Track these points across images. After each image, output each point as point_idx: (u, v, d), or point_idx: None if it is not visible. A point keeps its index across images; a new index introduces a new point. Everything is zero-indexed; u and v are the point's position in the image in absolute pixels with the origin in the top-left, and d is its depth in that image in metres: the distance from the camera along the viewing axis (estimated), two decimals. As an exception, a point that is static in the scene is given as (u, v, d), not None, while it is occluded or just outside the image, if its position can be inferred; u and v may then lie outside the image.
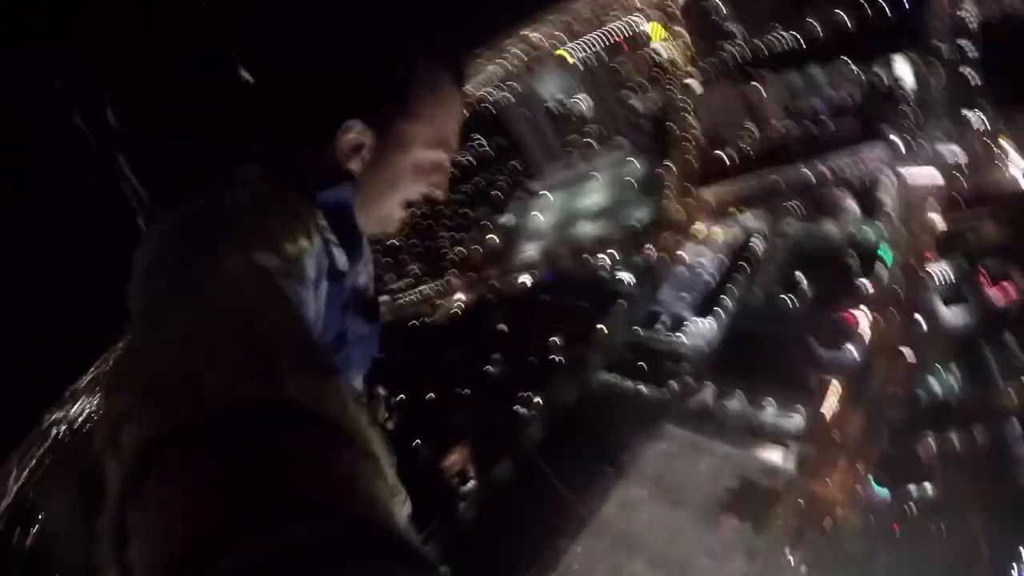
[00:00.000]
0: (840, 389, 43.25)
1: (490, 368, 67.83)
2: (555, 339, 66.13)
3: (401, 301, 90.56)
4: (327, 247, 1.35)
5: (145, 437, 0.75)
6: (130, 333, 1.04)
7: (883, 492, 35.69)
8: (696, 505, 41.23)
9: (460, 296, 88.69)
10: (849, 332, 46.53)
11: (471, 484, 53.19)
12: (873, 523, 34.75)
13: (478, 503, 51.49)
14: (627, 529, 42.56)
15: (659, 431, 48.57)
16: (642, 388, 54.52)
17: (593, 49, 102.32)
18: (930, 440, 36.55)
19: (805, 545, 35.44)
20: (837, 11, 76.02)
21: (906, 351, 43.07)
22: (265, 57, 1.54)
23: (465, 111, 1.69)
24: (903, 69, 65.09)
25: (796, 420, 43.10)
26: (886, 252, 51.68)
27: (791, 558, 35.36)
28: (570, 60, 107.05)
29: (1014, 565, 29.30)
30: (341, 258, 1.40)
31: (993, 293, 42.81)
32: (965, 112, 53.94)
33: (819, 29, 78.59)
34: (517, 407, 60.09)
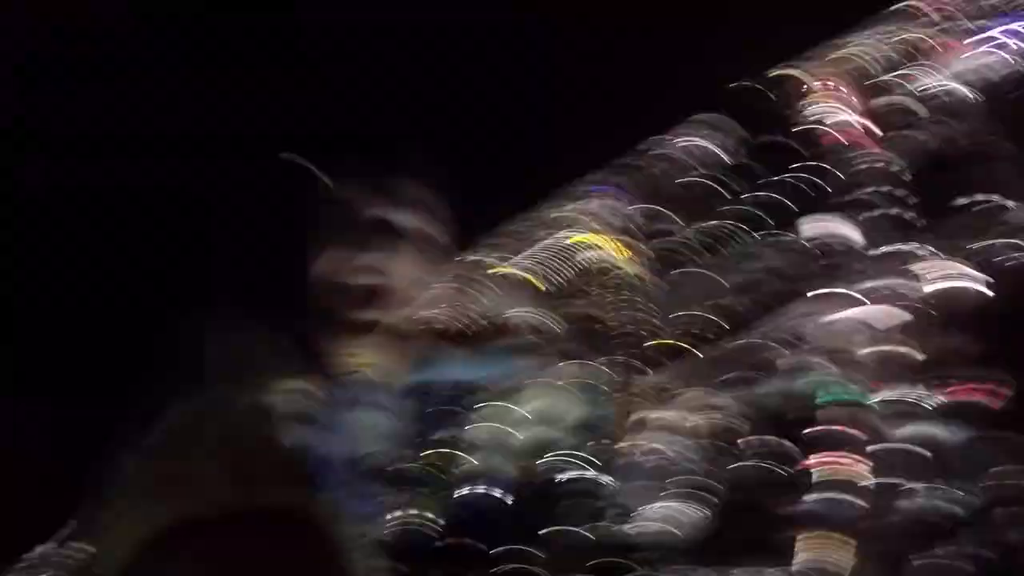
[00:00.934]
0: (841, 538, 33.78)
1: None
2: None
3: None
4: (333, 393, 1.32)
5: (140, 532, 0.73)
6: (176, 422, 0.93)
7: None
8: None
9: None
10: (841, 481, 38.52)
11: None
12: None
13: None
14: None
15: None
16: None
17: (550, 267, 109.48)
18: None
19: None
20: (761, 189, 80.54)
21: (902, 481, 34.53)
22: None
23: None
24: (833, 227, 65.49)
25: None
26: (846, 393, 45.36)
27: None
28: (535, 282, 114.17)
29: None
30: (348, 405, 1.38)
31: (979, 398, 36.03)
32: (902, 247, 53.38)
33: (745, 207, 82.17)
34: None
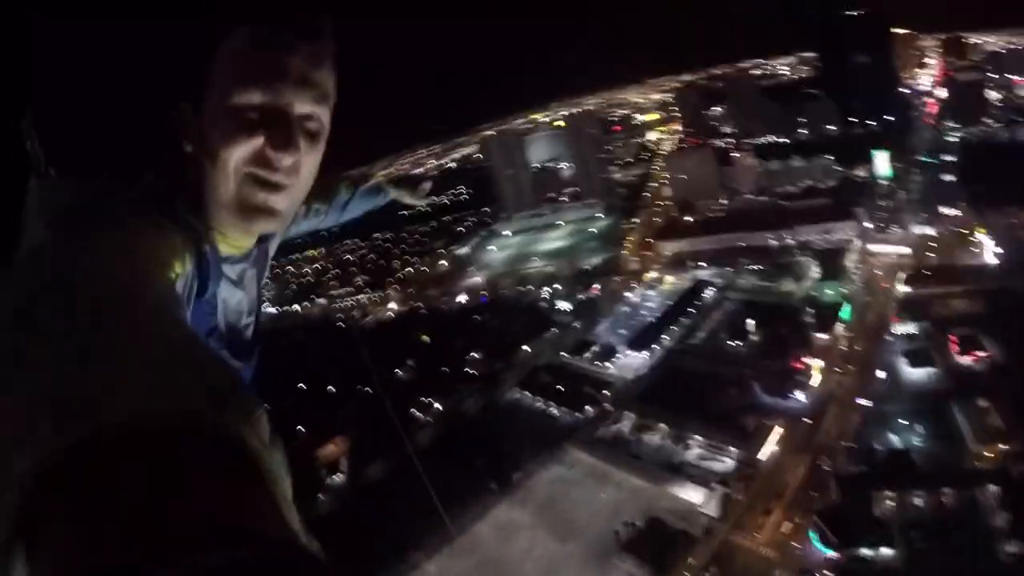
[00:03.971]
0: (783, 435, 37.53)
1: (399, 372, 66.06)
2: (474, 354, 64.69)
3: (336, 305, 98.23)
4: (198, 269, 1.28)
5: (46, 460, 0.68)
6: (9, 326, 0.87)
7: (827, 551, 29.25)
8: (588, 539, 34.00)
9: (393, 307, 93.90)
10: (798, 380, 41.93)
11: (340, 477, 48.59)
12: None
13: (340, 499, 45.71)
14: (499, 554, 35.01)
15: (561, 454, 41.99)
16: (553, 409, 49.62)
17: (587, 127, 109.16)
18: (888, 498, 30.63)
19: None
20: (827, 125, 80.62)
21: (863, 403, 38.03)
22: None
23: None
24: (883, 165, 65.74)
25: (726, 463, 36.90)
26: (846, 311, 47.82)
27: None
28: (562, 126, 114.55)
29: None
30: (212, 280, 1.34)
31: (963, 359, 39.13)
32: (941, 208, 59.74)
33: (807, 134, 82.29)
34: (413, 411, 56.66)
